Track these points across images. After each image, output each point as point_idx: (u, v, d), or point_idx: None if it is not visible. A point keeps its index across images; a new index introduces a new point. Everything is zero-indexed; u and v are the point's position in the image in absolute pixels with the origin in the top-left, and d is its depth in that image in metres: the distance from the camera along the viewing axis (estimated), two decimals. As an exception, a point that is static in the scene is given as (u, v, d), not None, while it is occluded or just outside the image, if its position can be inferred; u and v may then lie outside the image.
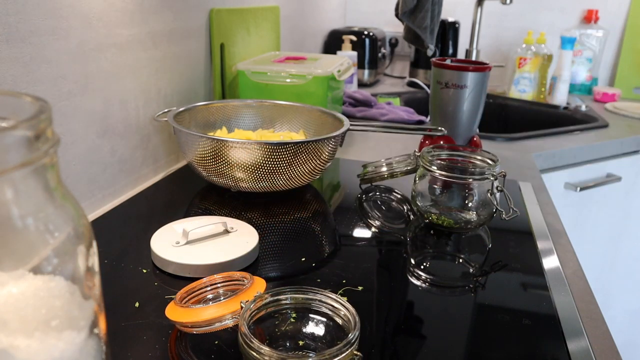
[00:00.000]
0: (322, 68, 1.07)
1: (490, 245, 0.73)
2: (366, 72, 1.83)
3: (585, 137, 1.34)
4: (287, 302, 0.47)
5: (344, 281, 0.60)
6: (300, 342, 0.46)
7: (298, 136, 0.95)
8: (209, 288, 0.52)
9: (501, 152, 1.15)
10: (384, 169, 0.85)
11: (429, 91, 1.67)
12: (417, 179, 0.76)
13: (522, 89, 1.76)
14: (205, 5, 1.02)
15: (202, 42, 1.02)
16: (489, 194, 0.71)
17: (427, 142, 1.03)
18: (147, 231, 0.66)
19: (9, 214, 0.26)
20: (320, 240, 0.72)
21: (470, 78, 0.96)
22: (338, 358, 0.39)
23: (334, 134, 0.80)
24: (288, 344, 0.46)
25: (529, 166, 1.08)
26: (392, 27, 2.04)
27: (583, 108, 1.61)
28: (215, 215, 0.76)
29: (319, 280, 0.60)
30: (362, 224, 0.77)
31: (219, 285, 0.53)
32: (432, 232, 0.75)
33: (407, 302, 0.59)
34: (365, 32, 1.81)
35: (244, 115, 1.00)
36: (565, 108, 1.62)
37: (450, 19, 1.86)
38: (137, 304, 0.54)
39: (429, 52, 1.16)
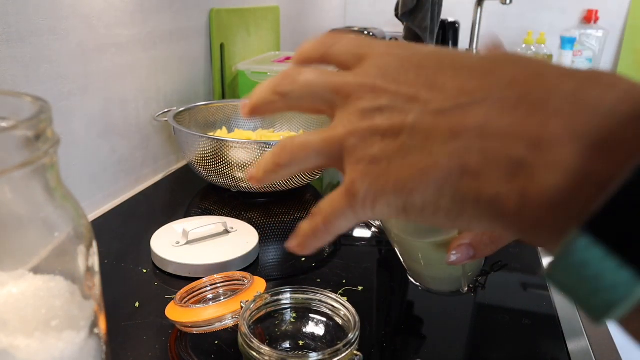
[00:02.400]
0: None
1: (490, 245, 0.73)
2: (366, 72, 1.83)
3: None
4: (287, 302, 0.47)
5: (344, 281, 0.60)
6: (300, 342, 0.46)
7: (298, 136, 0.95)
8: (209, 288, 0.52)
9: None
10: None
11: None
12: (417, 179, 0.76)
13: (522, 89, 1.76)
14: (205, 5, 1.02)
15: (202, 42, 1.02)
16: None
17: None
18: (147, 231, 0.66)
19: (9, 214, 0.26)
20: (320, 240, 0.72)
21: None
22: (338, 358, 0.39)
23: (334, 134, 0.80)
24: (288, 344, 0.46)
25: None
26: (392, 27, 2.04)
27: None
28: (215, 215, 0.76)
29: (319, 280, 0.60)
30: (362, 224, 0.77)
31: (219, 285, 0.53)
32: (432, 232, 0.75)
33: (407, 302, 0.59)
34: (365, 32, 1.81)
35: (244, 115, 1.00)
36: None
37: (450, 19, 1.86)
38: (137, 304, 0.54)
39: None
